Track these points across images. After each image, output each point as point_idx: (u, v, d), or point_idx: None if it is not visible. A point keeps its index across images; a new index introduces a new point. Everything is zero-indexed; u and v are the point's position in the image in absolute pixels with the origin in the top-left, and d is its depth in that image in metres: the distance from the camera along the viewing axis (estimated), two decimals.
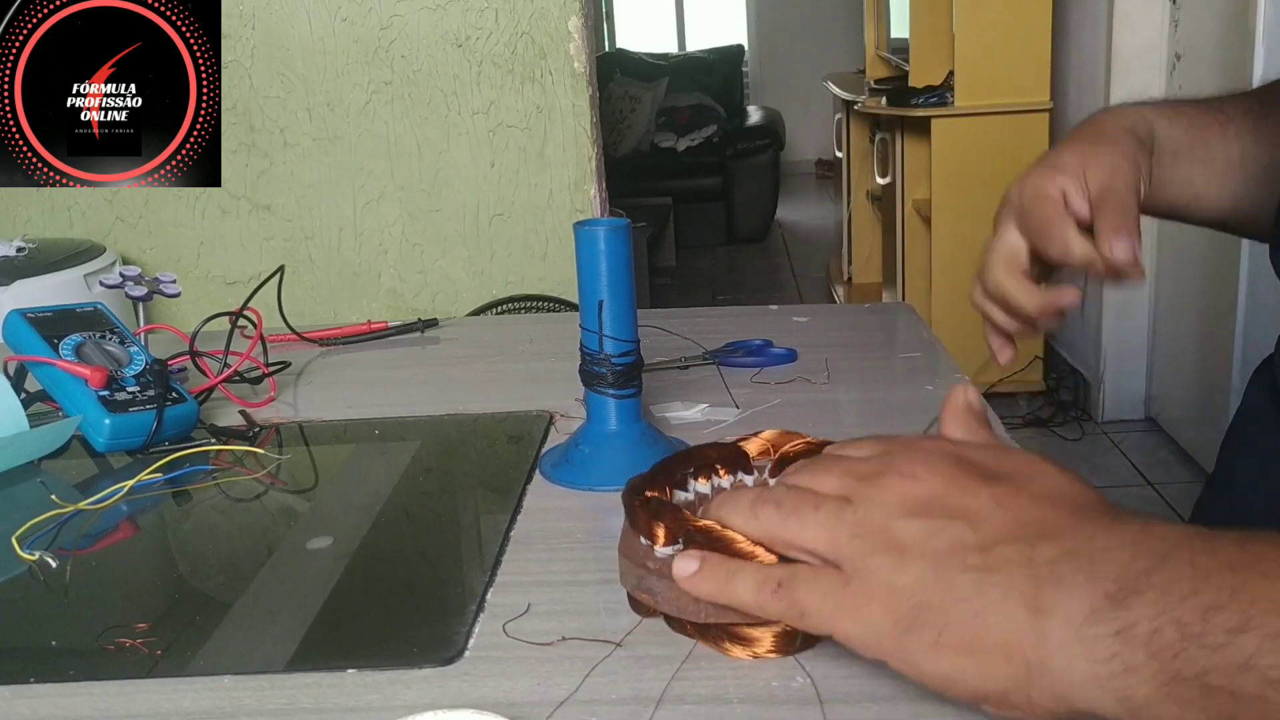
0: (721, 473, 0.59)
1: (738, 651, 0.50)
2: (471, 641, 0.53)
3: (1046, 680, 0.39)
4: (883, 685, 0.47)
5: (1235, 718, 0.36)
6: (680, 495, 0.58)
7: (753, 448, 0.61)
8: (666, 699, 0.47)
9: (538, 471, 0.74)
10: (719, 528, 0.50)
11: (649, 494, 0.55)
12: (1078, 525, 0.42)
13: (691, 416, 0.82)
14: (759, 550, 0.49)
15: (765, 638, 0.50)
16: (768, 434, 0.61)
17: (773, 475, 0.59)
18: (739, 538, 0.49)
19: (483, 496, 0.77)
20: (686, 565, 0.48)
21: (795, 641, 0.50)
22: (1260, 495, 0.70)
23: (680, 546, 0.51)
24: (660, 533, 0.51)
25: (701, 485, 0.59)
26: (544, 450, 0.77)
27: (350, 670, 0.51)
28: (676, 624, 0.52)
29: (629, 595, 0.54)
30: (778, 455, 0.60)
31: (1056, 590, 0.40)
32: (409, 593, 0.62)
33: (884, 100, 3.36)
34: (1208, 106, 0.72)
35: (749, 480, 0.60)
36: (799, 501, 0.47)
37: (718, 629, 0.50)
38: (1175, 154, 0.69)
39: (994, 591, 0.41)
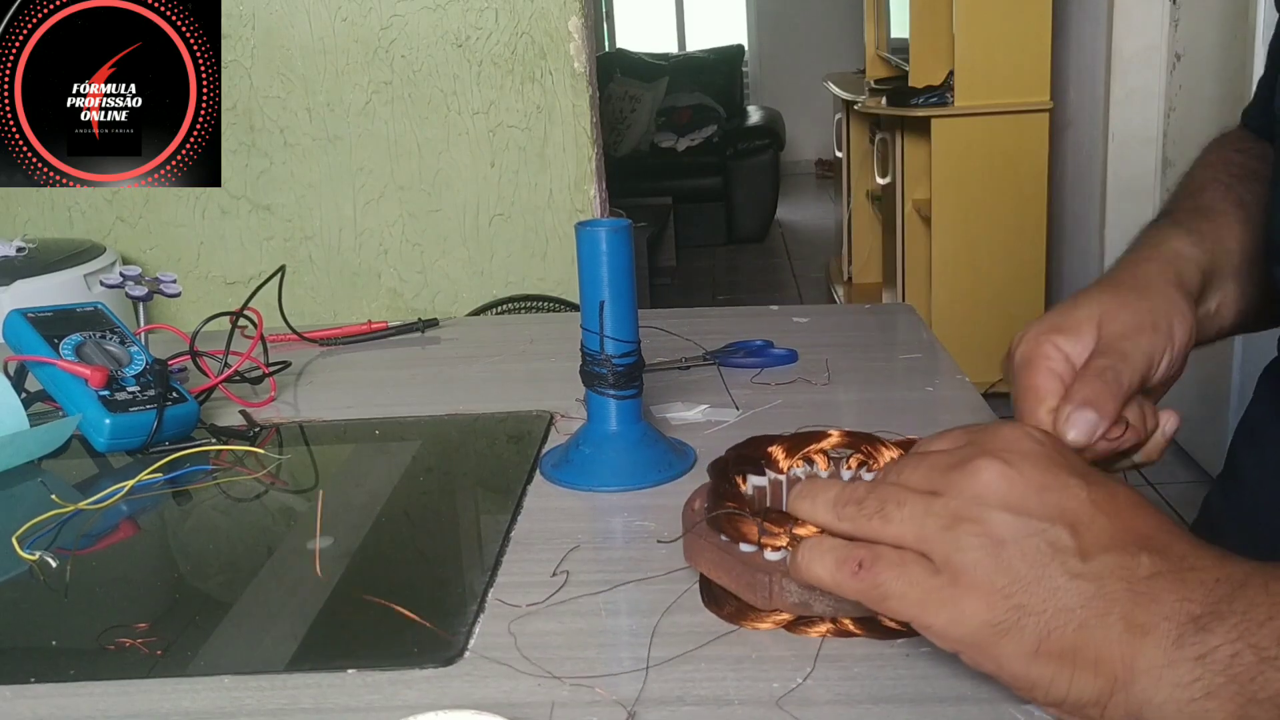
0: (796, 462, 0.60)
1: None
2: (471, 641, 0.53)
3: (1126, 697, 0.40)
4: (884, 687, 0.47)
5: None
6: (754, 481, 0.59)
7: (829, 442, 0.62)
8: (667, 699, 0.47)
9: (538, 472, 0.74)
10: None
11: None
12: (1170, 540, 0.42)
13: (692, 417, 0.82)
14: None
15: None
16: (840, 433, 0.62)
17: (849, 469, 0.60)
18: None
19: (483, 496, 0.76)
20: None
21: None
22: (1269, 495, 0.70)
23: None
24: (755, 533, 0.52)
25: (773, 474, 0.60)
26: (544, 450, 0.77)
27: (350, 670, 0.51)
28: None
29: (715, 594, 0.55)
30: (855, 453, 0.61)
31: (1151, 609, 0.40)
32: (409, 593, 0.62)
33: (884, 100, 3.36)
34: (1208, 212, 0.67)
35: (821, 473, 0.60)
36: (884, 498, 0.45)
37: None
38: (1209, 287, 0.64)
39: (1097, 604, 0.41)
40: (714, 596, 0.55)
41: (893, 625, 0.51)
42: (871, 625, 0.51)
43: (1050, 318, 0.58)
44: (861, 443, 0.60)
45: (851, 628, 0.51)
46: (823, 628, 0.51)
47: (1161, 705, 0.40)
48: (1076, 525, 0.42)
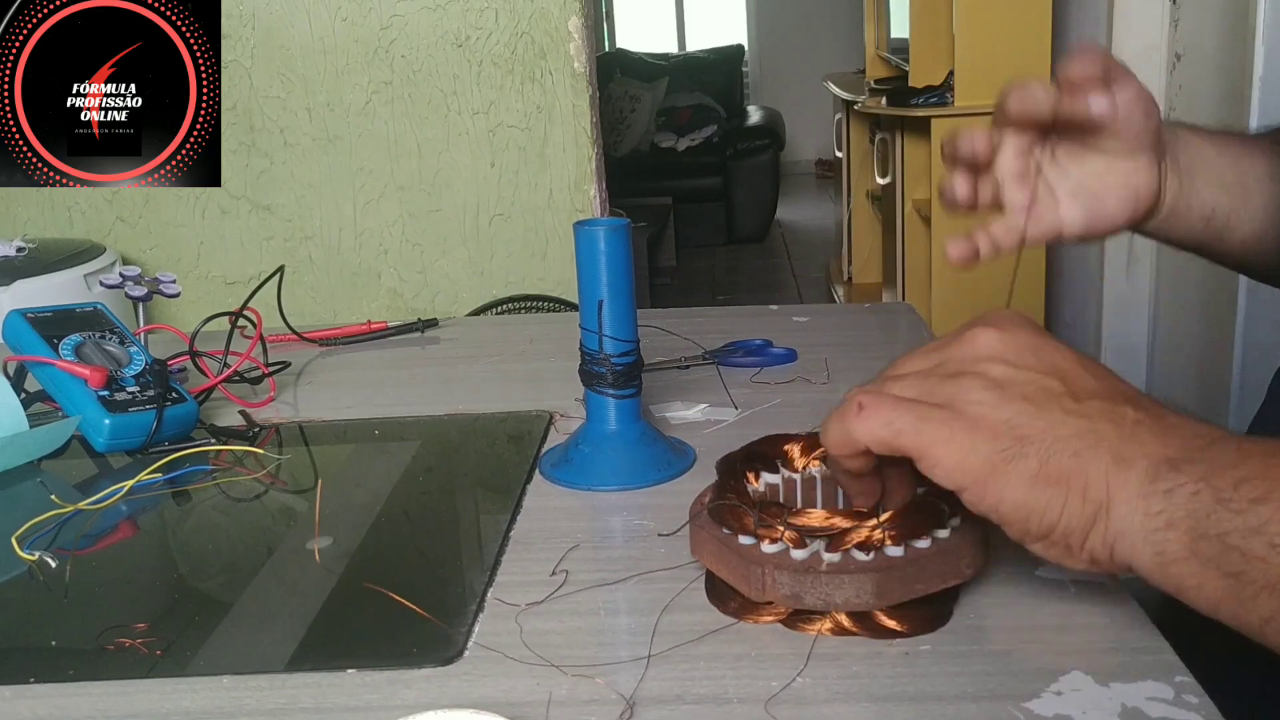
0: (812, 461, 0.61)
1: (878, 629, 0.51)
2: (471, 641, 0.53)
3: (1106, 525, 0.44)
4: (883, 685, 0.47)
5: (1243, 574, 0.41)
6: (768, 478, 0.60)
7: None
8: (666, 697, 0.47)
9: (537, 471, 0.74)
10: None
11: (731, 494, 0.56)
12: (1150, 403, 0.47)
13: (691, 416, 0.82)
14: (837, 515, 0.51)
15: (909, 619, 0.51)
16: None
17: None
18: (818, 515, 0.52)
19: (483, 496, 0.77)
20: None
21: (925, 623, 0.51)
22: None
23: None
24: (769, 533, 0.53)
25: (787, 473, 0.60)
26: (544, 450, 0.77)
27: (350, 670, 0.51)
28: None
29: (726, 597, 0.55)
30: None
31: (1134, 447, 0.44)
32: (409, 593, 0.62)
33: (884, 100, 3.35)
34: (1228, 133, 0.71)
35: (815, 471, 0.61)
36: (878, 389, 0.49)
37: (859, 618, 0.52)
38: (1206, 175, 0.67)
39: (1089, 437, 0.45)
40: (718, 591, 0.55)
41: (888, 624, 0.51)
42: (867, 622, 0.51)
43: None
44: None
45: (847, 624, 0.51)
46: (820, 624, 0.52)
47: (1131, 535, 0.44)
48: (1067, 377, 0.47)
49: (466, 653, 0.52)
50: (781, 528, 0.51)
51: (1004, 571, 0.56)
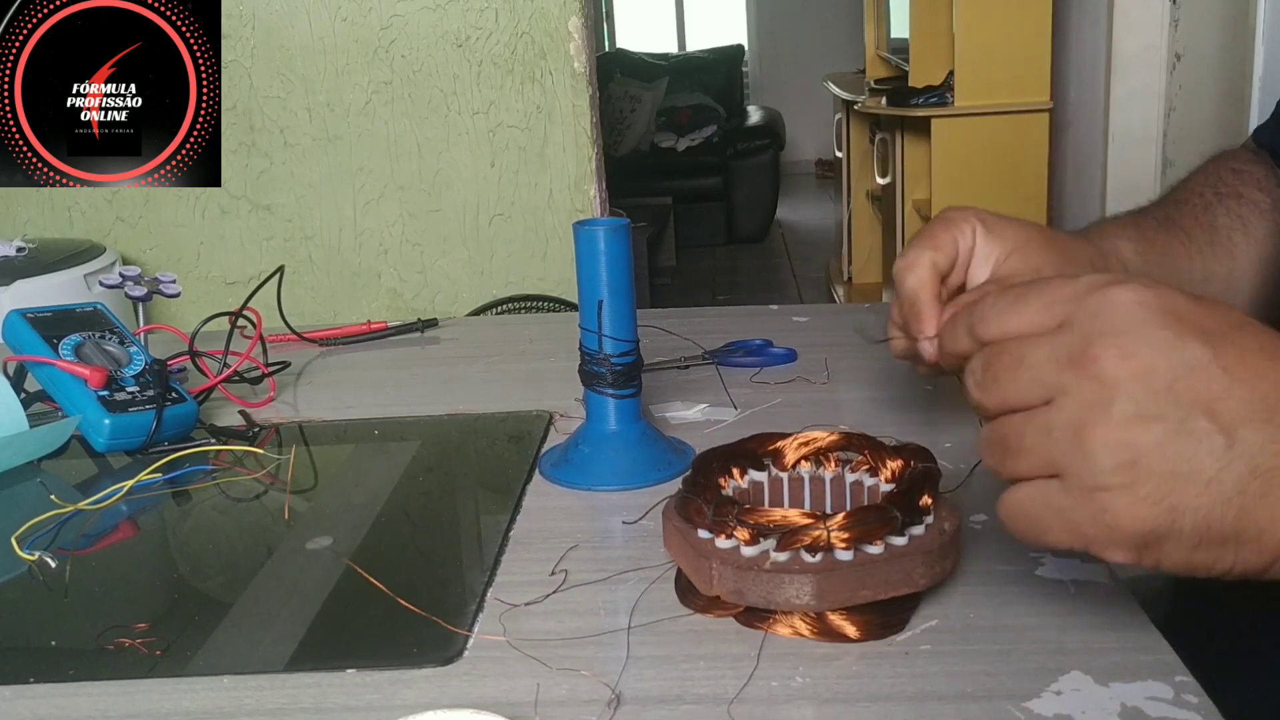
0: (803, 462, 0.61)
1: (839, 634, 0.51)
2: (471, 641, 0.53)
3: None
4: (883, 685, 0.47)
5: None
6: (753, 476, 0.60)
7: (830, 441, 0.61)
8: (666, 698, 0.47)
9: (537, 471, 0.74)
10: (777, 515, 0.51)
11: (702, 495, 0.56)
12: None
13: (691, 416, 0.82)
14: (792, 514, 0.51)
15: (860, 624, 0.51)
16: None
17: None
18: (776, 514, 0.51)
19: (483, 496, 0.77)
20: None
21: (887, 629, 0.51)
22: None
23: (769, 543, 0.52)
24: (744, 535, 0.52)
25: (775, 471, 0.60)
26: (544, 450, 0.77)
27: (350, 670, 0.51)
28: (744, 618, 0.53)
29: (698, 599, 0.55)
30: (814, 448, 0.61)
31: None
32: (409, 593, 0.62)
33: (884, 100, 3.36)
34: (1171, 226, 0.70)
35: (826, 474, 0.60)
36: (1003, 430, 0.43)
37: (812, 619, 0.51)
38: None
39: (1254, 485, 0.39)
40: (685, 585, 0.55)
41: (840, 627, 0.51)
42: (818, 624, 0.51)
43: (936, 223, 0.63)
44: (864, 446, 0.60)
45: (798, 624, 0.51)
46: (771, 622, 0.52)
47: None
48: (1212, 406, 0.39)
49: (466, 653, 0.52)
50: (733, 523, 0.51)
51: (1004, 571, 0.56)
